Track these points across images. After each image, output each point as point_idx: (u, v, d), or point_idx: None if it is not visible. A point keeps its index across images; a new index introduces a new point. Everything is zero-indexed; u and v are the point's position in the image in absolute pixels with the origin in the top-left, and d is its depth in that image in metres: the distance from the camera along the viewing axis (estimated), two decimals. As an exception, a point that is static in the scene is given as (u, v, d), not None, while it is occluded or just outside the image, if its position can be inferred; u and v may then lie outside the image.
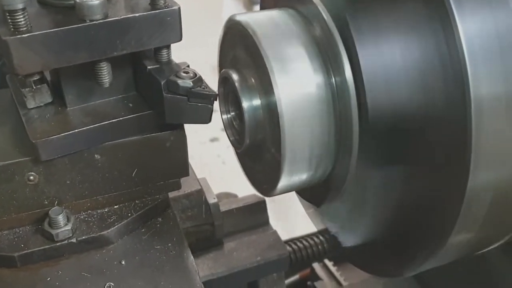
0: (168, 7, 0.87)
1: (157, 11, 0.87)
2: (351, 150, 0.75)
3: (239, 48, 0.85)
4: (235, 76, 0.82)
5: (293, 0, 0.82)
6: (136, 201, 1.03)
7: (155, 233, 1.01)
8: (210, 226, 1.25)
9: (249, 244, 1.30)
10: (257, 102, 0.79)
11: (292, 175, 0.78)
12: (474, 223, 0.71)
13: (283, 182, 0.79)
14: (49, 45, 0.81)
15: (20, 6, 0.77)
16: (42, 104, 0.95)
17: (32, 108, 0.94)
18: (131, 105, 0.97)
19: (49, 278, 0.90)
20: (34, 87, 0.92)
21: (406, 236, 0.79)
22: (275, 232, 1.34)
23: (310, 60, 0.75)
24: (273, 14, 0.82)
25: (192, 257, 0.97)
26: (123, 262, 0.94)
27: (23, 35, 0.79)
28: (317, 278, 1.67)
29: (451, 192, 0.68)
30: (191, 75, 0.90)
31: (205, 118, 0.91)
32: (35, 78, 0.87)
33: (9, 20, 0.79)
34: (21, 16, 0.79)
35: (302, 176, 0.80)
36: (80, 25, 0.82)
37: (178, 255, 0.96)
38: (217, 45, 0.91)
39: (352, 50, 0.72)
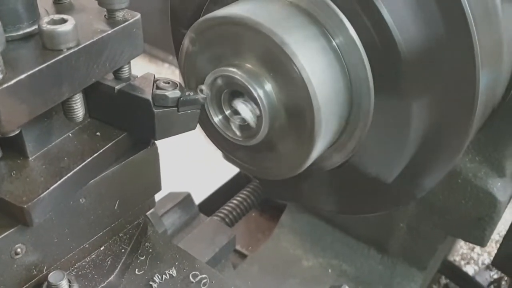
0: (130, 18, 0.80)
1: (125, 23, 0.78)
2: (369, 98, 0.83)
3: (220, 45, 0.83)
4: (233, 69, 0.81)
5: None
6: (120, 235, 0.94)
7: (153, 259, 0.94)
8: (157, 236, 1.20)
9: (196, 239, 1.29)
10: (268, 87, 0.80)
11: (322, 144, 0.83)
12: None
13: (314, 154, 0.83)
14: (36, 88, 0.67)
15: (-1, 49, 0.62)
16: (-8, 163, 0.78)
17: (-17, 172, 0.77)
18: (98, 133, 0.86)
19: None
20: (-17, 146, 0.75)
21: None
22: (212, 219, 1.35)
23: (311, 31, 0.80)
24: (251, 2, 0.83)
25: (203, 261, 0.95)
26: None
27: (10, 83, 0.63)
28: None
29: None
30: (172, 84, 0.84)
31: (194, 124, 0.87)
32: (16, 133, 0.71)
33: (-19, 69, 0.63)
34: (-2, 62, 0.63)
35: (328, 141, 0.85)
36: (61, 56, 0.69)
37: (192, 267, 0.93)
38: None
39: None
